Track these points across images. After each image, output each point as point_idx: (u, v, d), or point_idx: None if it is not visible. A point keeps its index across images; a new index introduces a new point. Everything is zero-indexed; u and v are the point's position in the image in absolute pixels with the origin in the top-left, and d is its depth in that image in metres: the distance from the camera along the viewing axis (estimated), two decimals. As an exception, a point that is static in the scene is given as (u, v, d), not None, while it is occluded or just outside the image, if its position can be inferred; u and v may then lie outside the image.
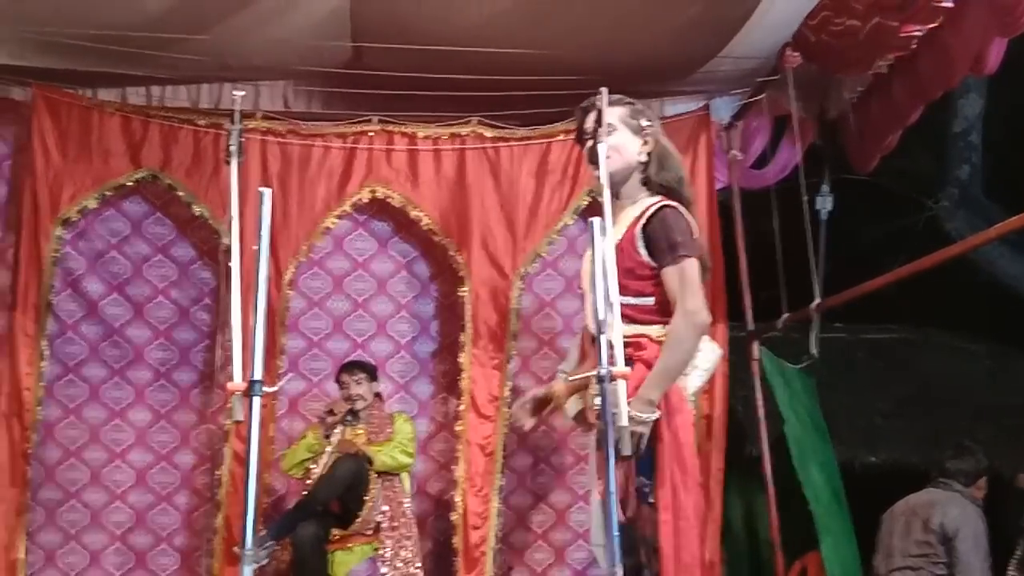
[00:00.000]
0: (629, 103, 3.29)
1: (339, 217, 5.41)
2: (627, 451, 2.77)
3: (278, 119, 5.38)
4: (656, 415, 2.89)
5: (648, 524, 2.95)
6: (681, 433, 2.93)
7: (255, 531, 3.25)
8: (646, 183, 3.21)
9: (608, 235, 2.95)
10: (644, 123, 3.25)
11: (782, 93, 5.18)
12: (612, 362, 2.75)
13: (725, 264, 5.46)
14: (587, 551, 5.47)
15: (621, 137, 3.21)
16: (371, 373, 5.16)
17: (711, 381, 4.88)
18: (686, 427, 2.96)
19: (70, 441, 5.31)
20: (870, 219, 8.19)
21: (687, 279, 2.97)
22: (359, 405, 5.07)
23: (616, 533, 2.75)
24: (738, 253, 5.61)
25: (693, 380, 4.67)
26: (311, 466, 5.02)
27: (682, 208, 3.08)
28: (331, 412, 5.08)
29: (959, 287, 8.01)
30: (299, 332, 5.51)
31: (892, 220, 8.39)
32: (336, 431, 5.06)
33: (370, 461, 4.92)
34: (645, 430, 2.88)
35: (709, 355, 4.74)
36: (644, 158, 3.22)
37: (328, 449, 5.02)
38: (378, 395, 5.19)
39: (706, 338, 4.76)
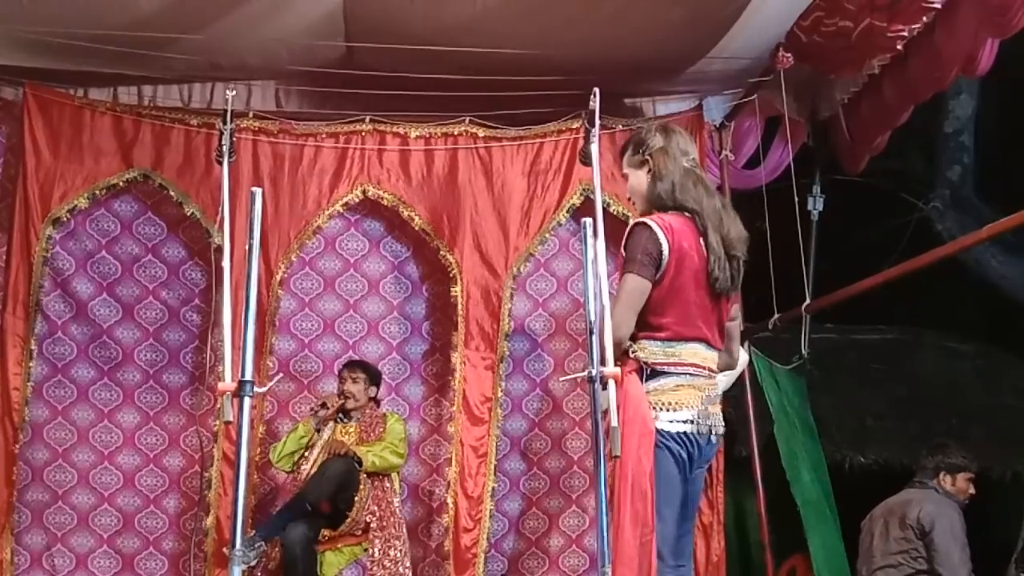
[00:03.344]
0: (628, 144, 3.34)
1: (331, 217, 5.40)
2: (617, 451, 2.83)
3: (270, 119, 5.36)
4: None
5: None
6: (642, 459, 2.96)
7: (244, 532, 3.24)
8: None
9: (600, 236, 2.99)
10: (642, 150, 3.28)
11: (774, 94, 5.19)
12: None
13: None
14: (580, 557, 5.46)
15: (632, 180, 3.30)
16: (371, 376, 5.15)
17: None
18: (647, 447, 2.98)
19: (58, 443, 5.28)
20: (861, 220, 8.20)
21: (616, 295, 3.05)
22: (349, 404, 5.06)
23: (606, 534, 2.80)
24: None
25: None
26: (302, 465, 5.00)
27: (649, 223, 3.09)
28: (324, 405, 5.07)
29: (950, 288, 8.04)
30: (290, 333, 5.49)
31: (883, 221, 8.41)
32: (328, 427, 5.05)
33: (359, 462, 4.91)
34: None
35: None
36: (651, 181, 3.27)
37: (318, 444, 5.01)
38: (374, 399, 5.18)
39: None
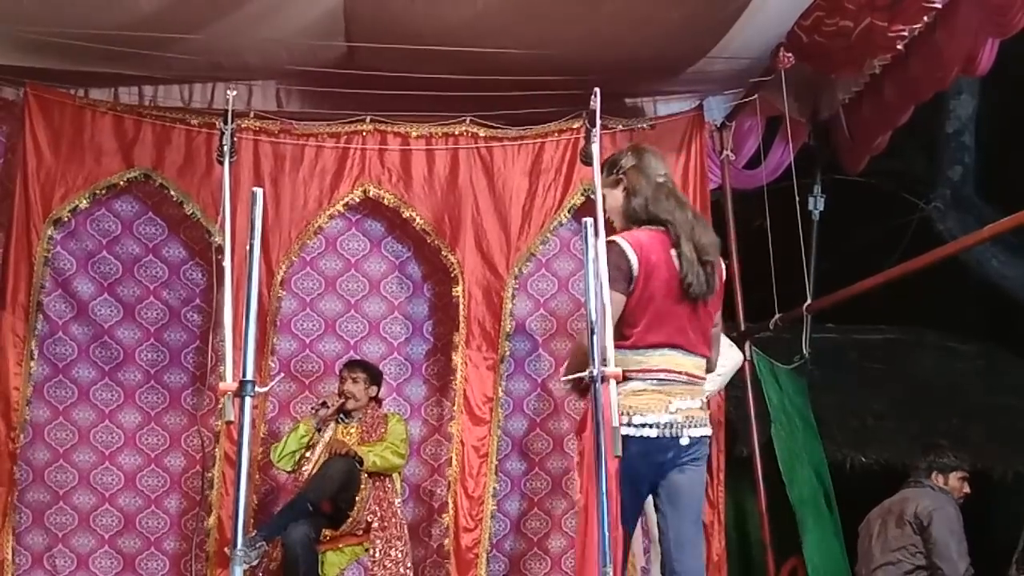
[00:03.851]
0: (603, 166, 3.44)
1: (331, 217, 5.40)
2: (618, 451, 2.91)
3: (271, 119, 5.36)
4: (579, 376, 3.18)
5: None
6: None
7: (246, 532, 3.25)
8: None
9: (601, 235, 3.02)
10: (616, 170, 3.46)
11: (775, 94, 5.19)
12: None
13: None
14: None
15: (608, 199, 3.43)
16: (372, 376, 5.15)
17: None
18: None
19: (59, 443, 5.28)
20: (862, 220, 8.20)
21: None
22: (349, 404, 5.06)
23: (607, 534, 2.87)
24: (730, 253, 5.61)
25: (708, 384, 4.79)
26: (304, 466, 5.00)
27: (618, 240, 3.27)
28: (324, 404, 5.07)
29: (951, 287, 8.03)
30: (291, 333, 5.49)
31: (884, 221, 8.41)
32: (329, 427, 5.05)
33: (360, 461, 4.91)
34: (571, 386, 3.38)
35: (725, 361, 4.83)
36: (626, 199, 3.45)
37: (320, 444, 5.01)
38: (376, 399, 5.18)
39: (727, 344, 4.87)
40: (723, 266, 3.51)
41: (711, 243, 3.37)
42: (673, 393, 3.25)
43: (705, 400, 3.42)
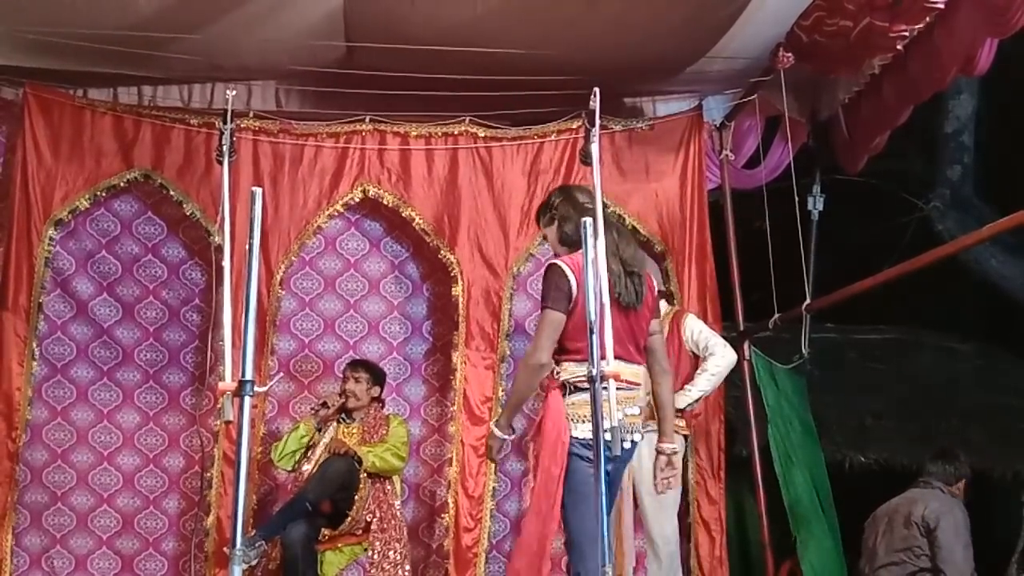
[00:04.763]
0: (539, 212, 3.82)
1: (331, 217, 5.40)
2: (617, 451, 3.13)
3: (270, 118, 5.36)
4: (505, 436, 3.65)
5: None
6: (550, 465, 3.42)
7: (245, 531, 3.25)
8: None
9: (600, 236, 3.04)
10: (549, 208, 3.72)
11: (774, 93, 5.19)
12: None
13: (716, 264, 5.48)
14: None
15: (549, 236, 3.77)
16: (375, 376, 5.13)
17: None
18: (556, 455, 3.42)
19: (57, 443, 5.28)
20: (862, 220, 8.21)
21: (538, 327, 3.52)
22: (351, 403, 5.06)
23: (605, 532, 2.97)
24: (729, 253, 5.61)
25: (702, 383, 4.82)
26: (304, 465, 5.00)
27: (558, 263, 3.52)
28: (324, 404, 5.07)
29: (950, 288, 8.04)
30: (290, 332, 5.49)
31: (884, 221, 8.42)
32: (330, 427, 5.05)
33: (360, 461, 4.91)
34: (493, 443, 3.71)
35: (719, 360, 4.87)
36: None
37: (321, 444, 5.00)
38: (378, 399, 5.17)
39: (721, 343, 4.90)
40: (653, 280, 3.75)
41: (634, 256, 3.59)
42: (620, 400, 3.38)
43: (646, 404, 3.64)
